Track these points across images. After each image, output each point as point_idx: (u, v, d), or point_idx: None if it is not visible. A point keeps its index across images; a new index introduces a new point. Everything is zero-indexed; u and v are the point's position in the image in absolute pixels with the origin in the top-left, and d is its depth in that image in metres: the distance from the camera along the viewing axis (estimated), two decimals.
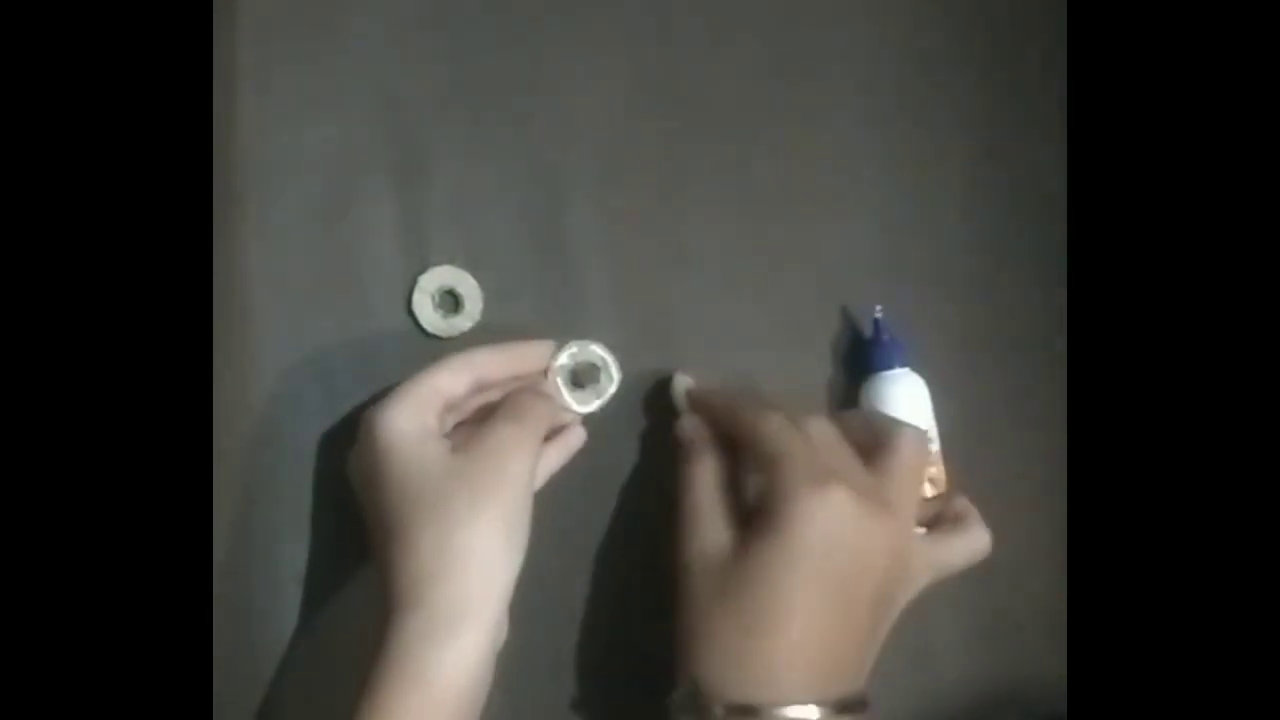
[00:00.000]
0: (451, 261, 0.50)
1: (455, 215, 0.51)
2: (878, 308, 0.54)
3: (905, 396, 0.53)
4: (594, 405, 0.50)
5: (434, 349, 0.50)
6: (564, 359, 0.49)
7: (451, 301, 0.51)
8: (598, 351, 0.50)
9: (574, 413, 0.49)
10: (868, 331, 0.54)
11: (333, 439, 0.48)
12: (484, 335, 0.50)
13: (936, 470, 0.52)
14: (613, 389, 0.50)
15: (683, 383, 0.51)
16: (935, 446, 0.53)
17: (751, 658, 0.41)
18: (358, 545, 0.48)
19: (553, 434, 0.48)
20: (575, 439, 0.49)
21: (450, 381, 0.45)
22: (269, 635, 0.47)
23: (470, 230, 0.51)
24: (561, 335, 0.52)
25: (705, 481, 0.46)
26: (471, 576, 0.40)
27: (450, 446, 0.43)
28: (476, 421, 0.45)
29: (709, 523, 0.44)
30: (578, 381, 0.50)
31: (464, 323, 0.50)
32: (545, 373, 0.49)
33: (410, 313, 0.50)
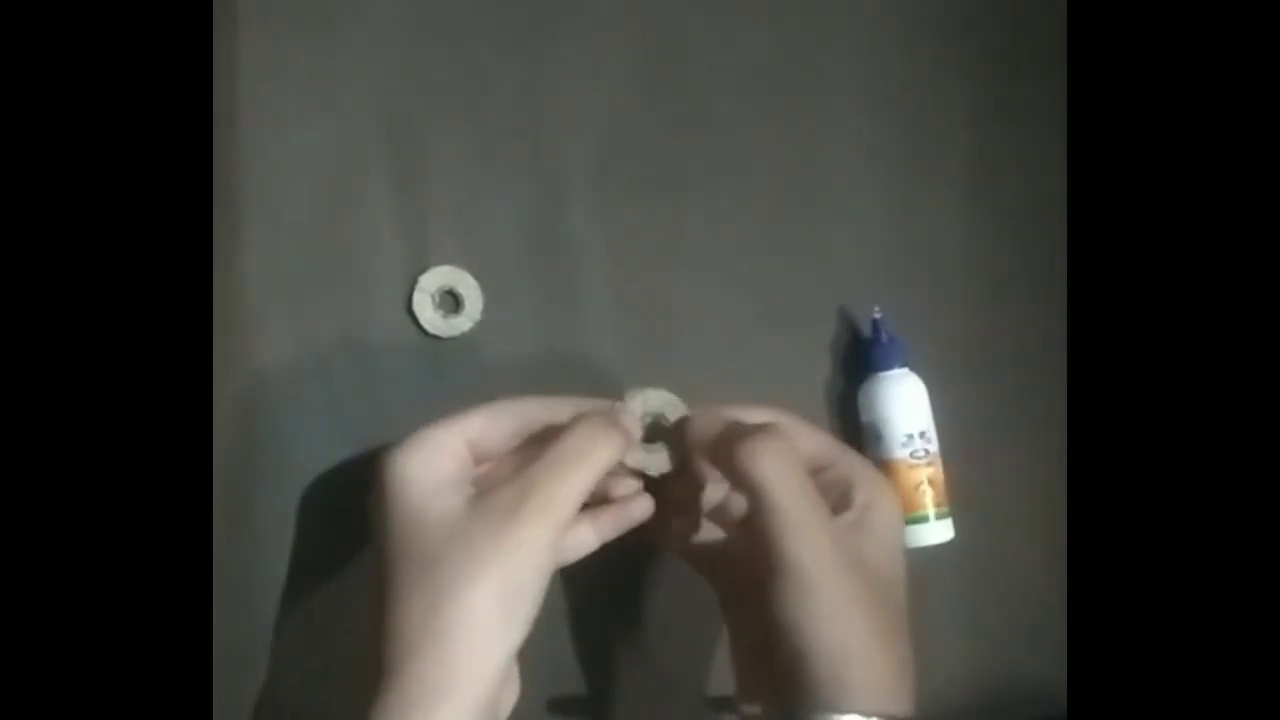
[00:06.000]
0: (451, 261, 0.50)
1: (455, 215, 0.51)
2: (876, 308, 0.54)
3: (904, 397, 0.53)
4: (668, 466, 0.42)
5: (434, 349, 0.50)
6: (635, 407, 0.42)
7: (451, 301, 0.50)
8: (669, 398, 0.42)
9: (644, 476, 0.43)
10: (867, 332, 0.54)
11: (332, 439, 0.48)
12: (484, 335, 0.50)
13: (934, 471, 0.52)
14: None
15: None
16: (934, 447, 0.53)
17: (902, 668, 0.40)
18: (357, 546, 0.48)
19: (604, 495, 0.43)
20: (639, 510, 0.43)
21: (485, 427, 0.40)
22: (269, 635, 0.47)
23: (470, 230, 0.51)
24: (561, 335, 0.52)
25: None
26: (458, 652, 0.35)
27: (468, 498, 0.38)
28: (523, 459, 0.39)
29: (822, 509, 0.40)
30: (649, 436, 0.42)
31: (464, 323, 0.50)
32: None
33: (410, 313, 0.50)
